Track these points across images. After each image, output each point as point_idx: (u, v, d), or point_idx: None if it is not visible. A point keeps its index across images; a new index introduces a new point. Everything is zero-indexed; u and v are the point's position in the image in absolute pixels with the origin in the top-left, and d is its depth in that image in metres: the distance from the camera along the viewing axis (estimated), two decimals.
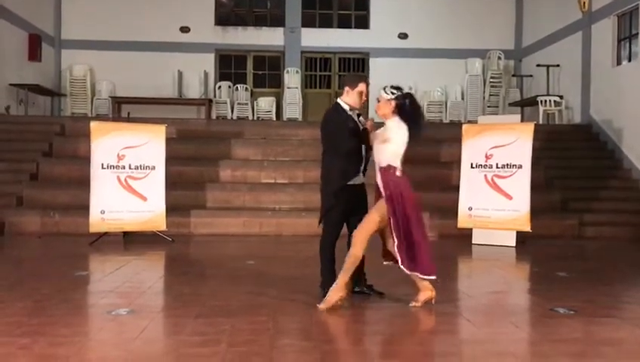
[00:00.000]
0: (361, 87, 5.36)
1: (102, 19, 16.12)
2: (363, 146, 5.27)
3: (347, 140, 5.20)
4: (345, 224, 5.38)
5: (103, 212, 9.10)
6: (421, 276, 5.05)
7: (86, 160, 9.46)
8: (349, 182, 5.28)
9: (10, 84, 13.77)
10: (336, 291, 4.96)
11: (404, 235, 4.97)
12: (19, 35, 14.30)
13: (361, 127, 5.32)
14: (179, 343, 4.15)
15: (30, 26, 14.75)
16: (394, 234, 4.98)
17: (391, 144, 4.98)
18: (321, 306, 4.95)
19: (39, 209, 10.25)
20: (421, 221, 5.15)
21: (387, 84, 5.22)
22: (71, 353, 3.88)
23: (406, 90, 5.18)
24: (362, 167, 5.34)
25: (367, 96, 5.41)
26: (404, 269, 5.02)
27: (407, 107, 5.02)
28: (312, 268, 7.12)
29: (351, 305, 5.22)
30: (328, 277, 5.24)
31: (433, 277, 5.08)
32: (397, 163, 5.02)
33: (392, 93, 5.07)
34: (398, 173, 5.01)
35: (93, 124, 9.40)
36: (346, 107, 5.38)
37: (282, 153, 11.98)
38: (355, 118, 5.38)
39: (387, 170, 5.02)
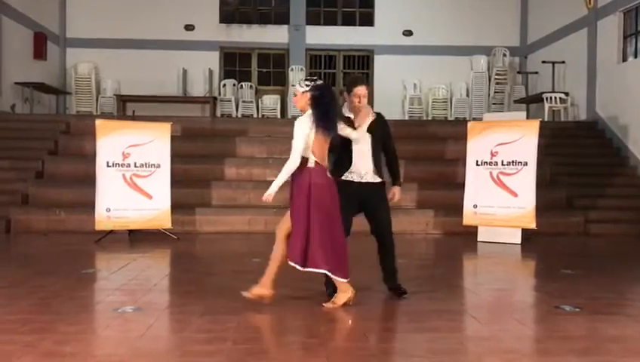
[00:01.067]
0: (356, 90, 5.33)
1: (107, 17, 16.13)
2: (357, 148, 5.29)
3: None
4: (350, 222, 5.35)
5: (108, 210, 9.12)
6: (333, 276, 4.94)
7: (91, 158, 9.48)
8: (346, 178, 5.29)
9: (16, 83, 13.81)
10: (346, 291, 4.96)
11: (320, 231, 4.84)
12: (24, 33, 14.34)
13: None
14: (185, 340, 4.16)
15: (35, 24, 14.79)
16: (296, 228, 4.87)
17: (294, 138, 4.92)
18: (327, 305, 4.97)
19: (45, 207, 10.29)
20: (334, 219, 4.96)
21: (303, 77, 5.20)
22: (77, 350, 3.89)
23: (319, 81, 5.07)
24: (359, 165, 5.29)
25: (366, 97, 5.33)
26: (297, 266, 4.88)
27: (321, 99, 4.94)
28: None
29: (355, 302, 5.22)
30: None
31: (344, 280, 4.97)
32: (309, 155, 4.92)
33: (306, 86, 5.01)
34: (310, 165, 4.91)
35: (98, 123, 9.42)
36: (350, 115, 5.37)
37: (287, 151, 11.61)
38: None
39: (302, 163, 4.92)
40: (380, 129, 5.41)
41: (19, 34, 14.04)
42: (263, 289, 4.99)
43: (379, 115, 5.49)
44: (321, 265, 4.87)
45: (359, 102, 5.34)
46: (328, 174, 5.01)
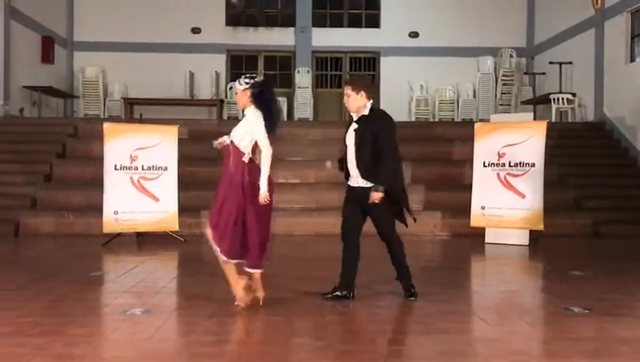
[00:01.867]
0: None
1: (114, 21, 16.21)
2: (347, 150, 5.28)
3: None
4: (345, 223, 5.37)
5: (116, 212, 9.14)
6: (249, 268, 5.02)
7: (99, 161, 9.51)
8: (348, 183, 5.36)
9: (24, 86, 13.89)
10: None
11: (249, 226, 4.92)
12: (32, 37, 14.43)
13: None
14: (193, 343, 4.16)
15: (43, 28, 14.88)
16: (224, 220, 4.92)
17: (257, 137, 4.94)
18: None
19: (53, 210, 10.33)
20: (262, 215, 5.01)
21: (243, 75, 5.22)
22: (86, 352, 3.91)
23: (259, 78, 5.14)
24: (349, 169, 5.28)
25: (349, 96, 5.25)
26: (223, 256, 4.96)
27: (261, 96, 4.98)
28: (324, 268, 7.13)
29: (364, 304, 5.22)
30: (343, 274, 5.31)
31: (259, 271, 5.05)
32: (248, 149, 4.98)
33: (246, 83, 5.03)
34: (245, 160, 4.97)
35: (106, 126, 9.45)
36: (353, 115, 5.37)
37: (293, 153, 11.97)
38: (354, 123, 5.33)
39: (239, 155, 4.97)
40: (367, 127, 5.18)
41: (27, 38, 14.12)
42: (245, 294, 5.05)
43: (372, 112, 5.27)
44: (256, 263, 5.00)
45: (347, 102, 5.30)
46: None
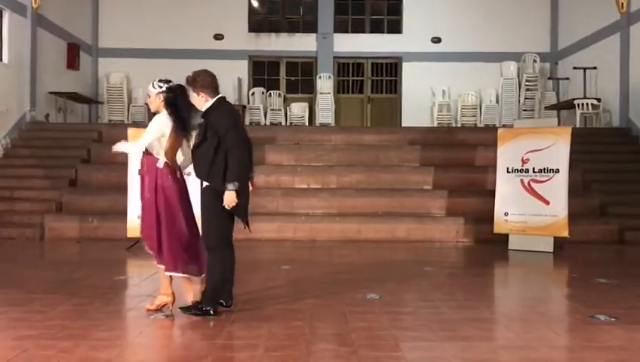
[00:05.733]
0: None
1: (137, 28, 16.41)
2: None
3: None
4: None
5: (139, 217, 9.20)
6: (168, 272, 5.01)
7: (123, 166, 9.60)
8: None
9: (50, 93, 14.10)
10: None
11: (168, 231, 4.93)
12: (58, 44, 14.66)
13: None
14: (216, 347, 4.18)
15: (69, 35, 15.11)
16: (148, 223, 4.99)
17: (147, 131, 4.97)
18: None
19: (78, 214, 10.46)
20: (182, 218, 5.01)
21: (156, 78, 5.10)
22: (112, 356, 3.95)
23: (174, 83, 5.07)
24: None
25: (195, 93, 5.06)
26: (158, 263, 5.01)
27: (174, 101, 4.96)
28: (346, 273, 7.13)
29: (387, 311, 5.20)
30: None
31: (179, 274, 5.04)
32: (160, 155, 4.96)
33: (160, 87, 5.02)
34: (159, 165, 4.95)
35: (130, 131, 9.53)
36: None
37: (315, 158, 11.99)
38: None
39: (152, 162, 4.98)
40: (204, 122, 4.93)
41: (53, 45, 14.34)
42: (163, 296, 5.07)
43: (211, 105, 4.96)
44: (169, 267, 4.99)
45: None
46: (178, 175, 5.06)
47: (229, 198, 4.76)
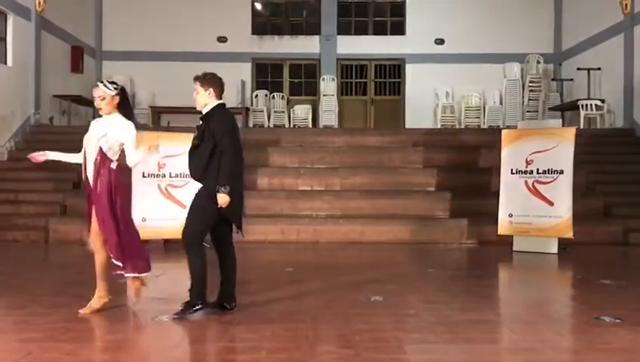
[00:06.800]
0: None
1: (141, 31, 16.45)
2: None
3: None
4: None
5: (144, 219, 9.22)
6: (128, 274, 5.15)
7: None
8: None
9: (54, 96, 14.15)
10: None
11: (122, 227, 5.08)
12: (62, 47, 14.71)
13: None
14: (220, 349, 4.19)
15: (73, 38, 15.16)
16: (107, 226, 5.10)
17: (129, 142, 5.01)
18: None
19: (82, 217, 10.41)
20: (128, 217, 5.19)
21: (105, 80, 5.21)
22: (116, 358, 3.95)
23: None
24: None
25: (197, 92, 5.14)
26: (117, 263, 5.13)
27: (128, 101, 5.09)
28: (350, 275, 7.13)
29: (391, 312, 5.20)
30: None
31: (143, 274, 5.25)
32: (114, 156, 5.05)
33: (115, 89, 5.03)
34: (113, 166, 5.04)
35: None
36: None
37: (319, 160, 12.00)
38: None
39: (106, 163, 5.03)
40: (203, 125, 5.04)
41: (57, 48, 14.39)
42: (100, 299, 5.13)
43: (212, 108, 5.09)
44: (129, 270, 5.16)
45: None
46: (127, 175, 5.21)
47: (223, 199, 4.93)
